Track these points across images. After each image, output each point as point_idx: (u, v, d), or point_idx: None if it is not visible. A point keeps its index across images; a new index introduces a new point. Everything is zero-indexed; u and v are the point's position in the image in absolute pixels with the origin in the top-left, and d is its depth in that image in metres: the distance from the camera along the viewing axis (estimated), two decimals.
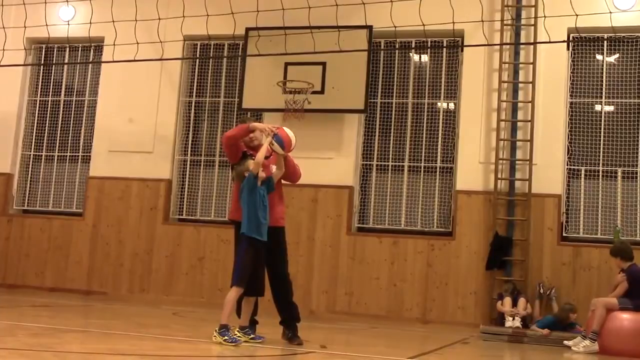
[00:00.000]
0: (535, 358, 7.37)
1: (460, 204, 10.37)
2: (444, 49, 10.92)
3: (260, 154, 6.15)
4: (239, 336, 6.15)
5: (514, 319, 9.24)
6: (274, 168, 6.43)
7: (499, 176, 10.23)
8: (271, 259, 6.44)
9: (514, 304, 9.50)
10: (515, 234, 10.12)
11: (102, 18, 9.25)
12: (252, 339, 6.22)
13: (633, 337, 7.76)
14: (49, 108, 12.44)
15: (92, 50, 12.26)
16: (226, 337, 5.88)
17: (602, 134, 10.27)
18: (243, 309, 6.31)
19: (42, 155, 12.35)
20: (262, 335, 6.37)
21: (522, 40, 10.54)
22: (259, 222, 6.12)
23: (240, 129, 6.52)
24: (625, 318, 7.89)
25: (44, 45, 12.40)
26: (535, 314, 9.55)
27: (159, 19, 8.52)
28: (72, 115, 12.31)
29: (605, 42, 10.36)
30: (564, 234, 10.12)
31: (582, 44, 10.43)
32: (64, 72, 12.55)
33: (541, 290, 9.70)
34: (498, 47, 10.48)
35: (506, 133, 10.39)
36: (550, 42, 8.56)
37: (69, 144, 12.24)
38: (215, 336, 5.94)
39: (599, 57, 10.50)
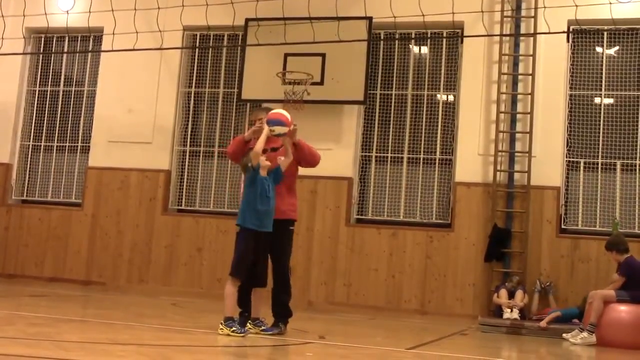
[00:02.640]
0: (533, 350, 7.39)
1: (459, 195, 10.37)
2: (444, 40, 10.90)
3: (258, 145, 6.13)
4: (250, 327, 6.18)
5: (512, 310, 9.26)
6: (282, 158, 6.39)
7: (498, 168, 10.23)
8: (272, 252, 6.48)
9: (511, 296, 9.51)
10: (514, 226, 10.13)
11: (101, 7, 9.24)
12: (262, 330, 6.22)
13: (631, 329, 7.78)
14: (48, 98, 12.42)
15: (91, 40, 12.23)
16: (234, 329, 5.89)
17: (601, 126, 10.26)
18: (253, 301, 6.30)
19: (41, 146, 12.34)
20: (272, 327, 6.34)
21: (522, 32, 10.52)
22: (258, 213, 6.11)
23: (237, 143, 6.64)
24: (622, 310, 7.91)
25: (43, 35, 12.36)
26: (533, 307, 9.57)
27: (159, 8, 8.50)
28: (71, 106, 12.29)
29: (605, 34, 10.34)
30: (563, 226, 10.13)
31: (582, 35, 10.42)
32: (63, 62, 12.52)
33: (541, 286, 9.71)
34: (498, 39, 10.47)
35: (505, 125, 10.39)
36: (550, 32, 8.56)
37: (68, 134, 12.23)
38: (221, 328, 5.94)
39: (598, 49, 10.49)
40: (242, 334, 5.87)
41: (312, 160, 6.69)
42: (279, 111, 6.35)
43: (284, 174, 6.39)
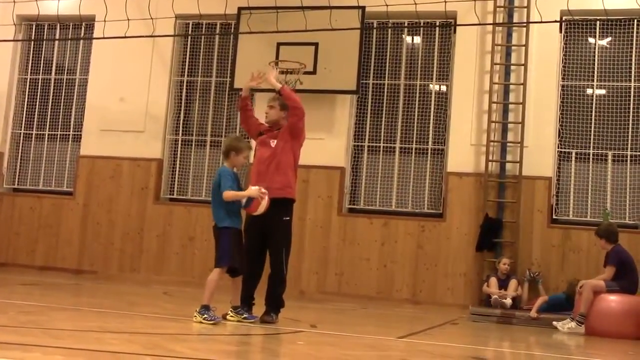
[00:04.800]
0: (522, 339, 7.43)
1: (451, 185, 10.40)
2: (437, 30, 10.89)
3: (232, 195, 6.14)
4: (231, 315, 6.20)
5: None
6: (273, 143, 6.57)
7: (490, 158, 10.25)
8: (267, 243, 6.52)
9: (502, 285, 9.54)
10: (506, 216, 10.17)
11: None
12: (244, 318, 6.25)
13: (620, 319, 7.83)
14: (39, 86, 12.36)
15: (83, 29, 12.16)
16: (206, 316, 5.92)
17: (593, 117, 10.29)
18: (232, 289, 6.33)
19: (32, 134, 12.30)
20: (256, 315, 6.39)
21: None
22: (230, 212, 6.21)
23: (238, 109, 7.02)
24: (612, 300, 7.96)
25: (34, 23, 12.29)
26: (524, 296, 9.61)
27: None
28: (63, 94, 12.24)
29: (597, 24, 10.35)
30: (554, 217, 10.17)
31: (575, 26, 10.42)
32: (54, 50, 12.46)
33: (531, 275, 9.76)
34: (490, 29, 10.47)
35: (498, 115, 10.41)
36: (542, 22, 8.56)
37: (60, 123, 12.18)
38: (195, 316, 5.98)
39: (591, 40, 10.50)
40: (212, 322, 5.89)
41: (292, 105, 6.62)
42: (261, 202, 6.25)
43: (275, 149, 6.54)
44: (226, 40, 11.64)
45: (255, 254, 6.55)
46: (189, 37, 11.79)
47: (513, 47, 10.48)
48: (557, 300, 9.03)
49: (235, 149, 6.31)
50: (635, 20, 10.15)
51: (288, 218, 6.67)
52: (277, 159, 6.57)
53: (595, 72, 10.36)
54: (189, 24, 11.71)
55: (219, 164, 11.32)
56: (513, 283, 9.53)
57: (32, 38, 12.42)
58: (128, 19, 7.87)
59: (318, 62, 10.54)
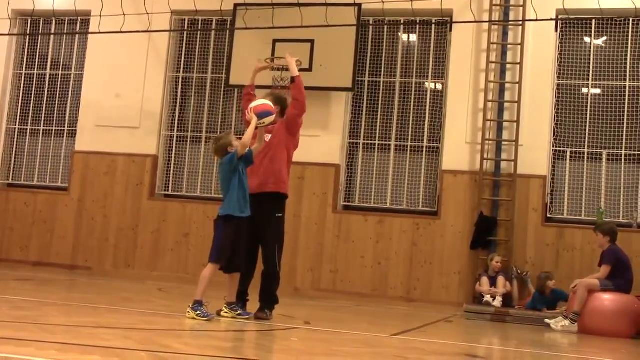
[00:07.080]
0: (515, 336, 7.45)
1: (446, 183, 10.41)
2: (433, 26, 10.90)
3: (247, 137, 6.15)
4: (226, 312, 6.20)
5: (494, 299, 9.31)
6: (268, 137, 6.51)
7: (485, 156, 10.26)
8: (260, 238, 6.50)
9: (493, 283, 9.56)
10: (500, 215, 10.19)
11: None
12: (238, 315, 6.25)
13: (614, 317, 7.85)
14: (34, 81, 12.33)
15: (78, 24, 12.14)
16: (199, 312, 5.92)
17: (588, 116, 10.32)
18: (228, 285, 6.33)
19: (27, 129, 12.27)
20: (250, 312, 6.39)
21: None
22: (239, 200, 6.14)
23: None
24: (606, 298, 7.98)
25: (29, 18, 12.25)
26: (514, 294, 9.64)
27: None
28: (58, 89, 12.21)
29: (593, 23, 10.36)
30: (549, 215, 10.20)
31: (570, 24, 10.43)
32: (49, 45, 12.43)
33: (517, 272, 9.79)
34: (486, 27, 10.47)
35: (493, 114, 10.42)
36: (537, 20, 8.58)
37: (55, 118, 12.15)
38: (188, 312, 5.97)
39: (586, 39, 10.52)
40: (206, 318, 5.88)
41: (298, 97, 6.60)
42: (262, 102, 6.37)
43: (270, 144, 6.48)
44: (222, 37, 11.63)
45: (248, 250, 6.53)
46: (185, 33, 11.78)
47: (509, 46, 10.49)
48: (534, 300, 9.14)
49: (227, 145, 6.25)
50: (631, 20, 10.17)
51: (281, 215, 6.66)
52: (272, 153, 6.57)
53: (591, 71, 10.39)
54: (184, 20, 11.70)
55: (214, 161, 11.31)
56: (501, 280, 9.56)
57: (27, 33, 12.38)
58: (124, 14, 7.87)
59: (314, 59, 10.53)
